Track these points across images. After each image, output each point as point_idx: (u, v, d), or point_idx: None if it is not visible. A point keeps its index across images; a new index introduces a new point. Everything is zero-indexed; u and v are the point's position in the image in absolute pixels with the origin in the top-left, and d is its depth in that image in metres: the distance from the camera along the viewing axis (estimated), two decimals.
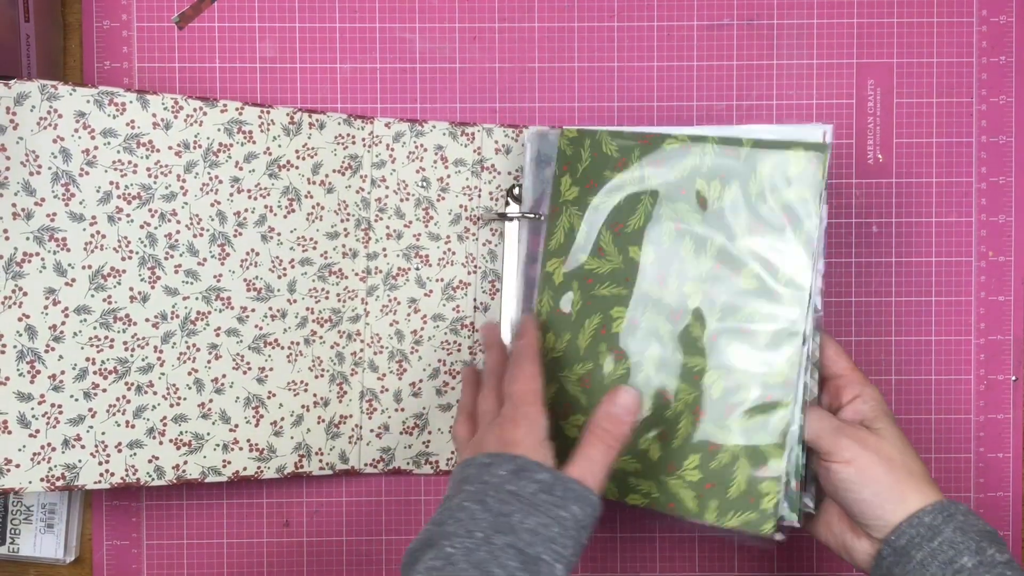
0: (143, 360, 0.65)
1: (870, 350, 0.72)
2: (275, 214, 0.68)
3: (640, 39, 0.72)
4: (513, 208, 0.70)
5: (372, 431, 0.70)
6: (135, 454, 0.65)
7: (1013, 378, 0.72)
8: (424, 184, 0.70)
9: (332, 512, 0.72)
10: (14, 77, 0.62)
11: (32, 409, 0.63)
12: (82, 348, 0.64)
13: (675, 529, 0.73)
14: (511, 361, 0.61)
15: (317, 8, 0.72)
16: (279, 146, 0.68)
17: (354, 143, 0.70)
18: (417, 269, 0.70)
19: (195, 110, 0.66)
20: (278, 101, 0.71)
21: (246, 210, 0.67)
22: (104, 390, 0.64)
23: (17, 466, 0.62)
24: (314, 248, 0.69)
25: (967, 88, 0.72)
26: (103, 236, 0.64)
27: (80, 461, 0.64)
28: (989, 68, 0.72)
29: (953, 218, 0.72)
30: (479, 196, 0.71)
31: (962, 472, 0.73)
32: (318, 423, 0.69)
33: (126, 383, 0.65)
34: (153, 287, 0.66)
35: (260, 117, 0.67)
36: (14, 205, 0.62)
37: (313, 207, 0.69)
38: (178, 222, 0.66)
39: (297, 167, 0.68)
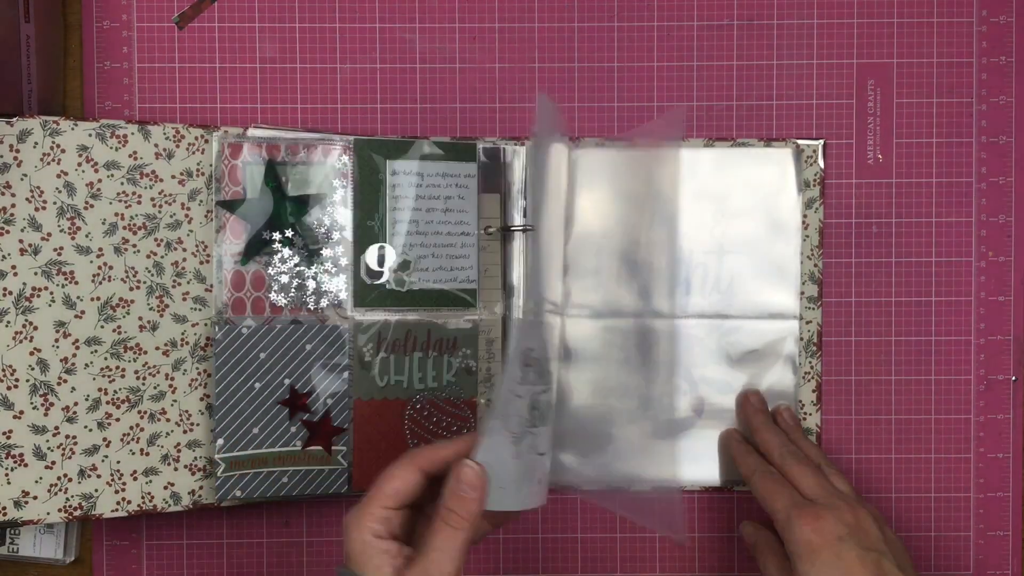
0: (155, 388, 0.66)
1: (870, 350, 0.72)
2: None
3: (640, 39, 0.72)
4: (517, 220, 0.70)
5: None
6: (151, 481, 0.66)
7: (1013, 378, 0.72)
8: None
9: (332, 512, 0.72)
10: (16, 115, 0.63)
11: (47, 441, 0.63)
12: (94, 379, 0.64)
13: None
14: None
15: (317, 8, 0.72)
16: None
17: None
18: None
19: (197, 138, 0.67)
20: (278, 101, 0.71)
21: None
22: (117, 419, 0.65)
23: (35, 498, 0.63)
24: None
25: (967, 88, 0.72)
26: (110, 267, 0.65)
27: (96, 491, 0.64)
28: (989, 68, 0.72)
29: (953, 218, 0.72)
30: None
31: (962, 472, 0.72)
32: None
33: (139, 411, 0.66)
34: (162, 315, 0.66)
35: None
36: (21, 241, 0.63)
37: None
38: (184, 250, 0.67)
39: None
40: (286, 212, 0.67)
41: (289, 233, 0.67)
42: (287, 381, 0.67)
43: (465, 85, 0.72)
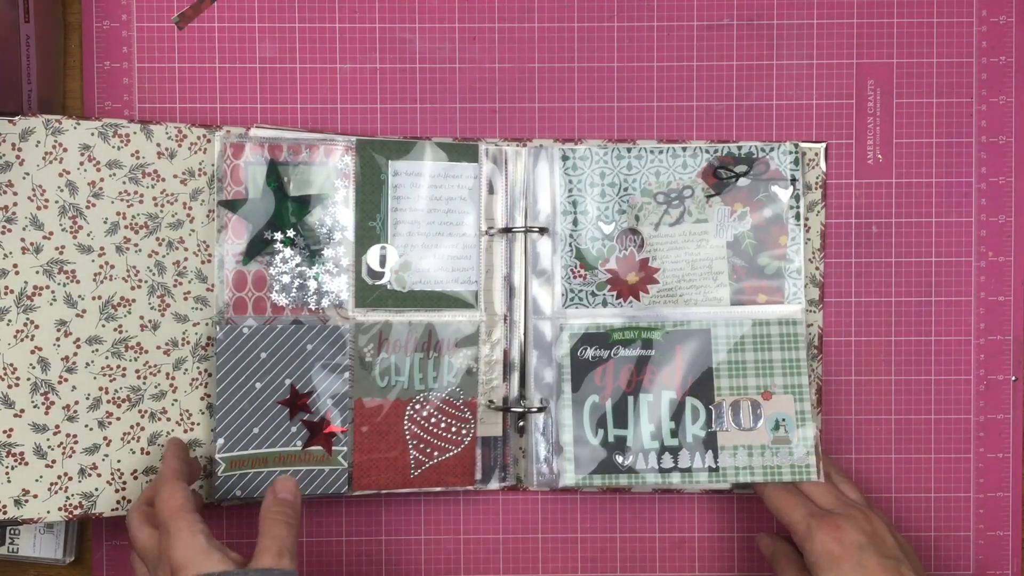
0: (156, 387, 0.66)
1: (870, 350, 0.72)
2: None
3: (640, 39, 0.72)
4: (519, 221, 0.70)
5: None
6: (151, 480, 0.66)
7: (1013, 378, 0.72)
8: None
9: (332, 512, 0.72)
10: (18, 113, 0.63)
11: (48, 440, 0.63)
12: (95, 378, 0.64)
13: (675, 529, 0.73)
14: (156, 484, 0.61)
15: (317, 8, 0.72)
16: None
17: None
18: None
19: (199, 137, 0.67)
20: (278, 101, 0.71)
21: None
22: (118, 418, 0.65)
23: (35, 496, 0.63)
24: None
25: (967, 88, 0.72)
26: (112, 266, 0.65)
27: (97, 489, 0.64)
28: (989, 68, 0.72)
29: (953, 218, 0.72)
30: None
31: (962, 472, 0.73)
32: None
33: (139, 411, 0.66)
34: (163, 315, 0.66)
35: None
36: (23, 239, 0.63)
37: None
38: (186, 249, 0.67)
39: None
40: (288, 212, 0.67)
41: (291, 233, 0.67)
42: (288, 381, 0.67)
43: (465, 85, 0.72)
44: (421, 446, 0.68)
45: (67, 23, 0.71)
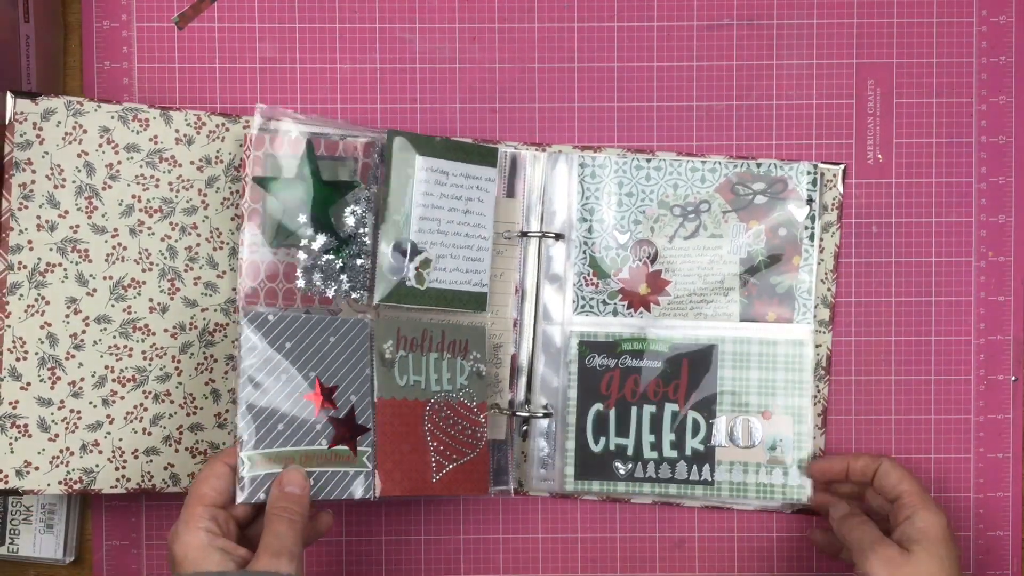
0: (161, 369, 0.67)
1: (870, 350, 0.72)
2: None
3: (640, 39, 0.72)
4: (535, 226, 0.70)
5: None
6: (151, 461, 0.66)
7: (1013, 378, 0.72)
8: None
9: (334, 511, 0.72)
10: (41, 93, 0.64)
11: (52, 414, 0.64)
12: (101, 356, 0.65)
13: (675, 530, 0.73)
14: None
15: (317, 8, 0.72)
16: None
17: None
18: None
19: (217, 126, 0.67)
20: (278, 101, 0.71)
21: None
22: (122, 397, 0.66)
23: (36, 468, 0.64)
24: None
25: (967, 88, 0.72)
26: (124, 248, 0.66)
27: (97, 466, 0.65)
28: (989, 68, 0.72)
29: (953, 218, 0.72)
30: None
31: (962, 472, 0.73)
32: None
33: (144, 391, 0.66)
34: (172, 298, 0.67)
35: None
36: (39, 217, 0.64)
37: None
38: (199, 235, 0.67)
39: None
40: (312, 203, 0.66)
41: (315, 224, 0.66)
42: (312, 374, 0.65)
43: (465, 85, 0.72)
44: (441, 448, 0.67)
45: (67, 23, 0.71)
